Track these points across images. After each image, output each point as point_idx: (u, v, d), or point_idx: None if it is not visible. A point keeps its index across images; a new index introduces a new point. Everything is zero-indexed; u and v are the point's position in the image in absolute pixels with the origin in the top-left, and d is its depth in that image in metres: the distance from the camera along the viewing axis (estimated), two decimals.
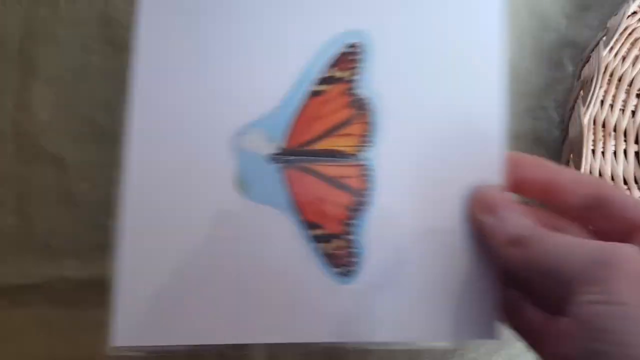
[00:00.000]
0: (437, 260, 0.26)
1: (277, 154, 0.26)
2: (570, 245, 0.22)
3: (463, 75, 0.27)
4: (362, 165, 0.27)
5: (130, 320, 0.24)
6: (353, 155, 0.27)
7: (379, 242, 0.26)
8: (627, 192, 0.34)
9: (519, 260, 0.24)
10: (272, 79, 0.26)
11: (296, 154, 0.26)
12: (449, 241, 0.26)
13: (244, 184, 0.26)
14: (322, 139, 0.27)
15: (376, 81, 0.27)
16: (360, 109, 0.27)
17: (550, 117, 0.39)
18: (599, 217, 0.25)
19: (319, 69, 0.27)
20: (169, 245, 0.25)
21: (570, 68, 0.39)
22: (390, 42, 0.27)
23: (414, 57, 0.27)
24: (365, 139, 0.27)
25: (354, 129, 0.27)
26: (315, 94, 0.27)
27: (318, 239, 0.26)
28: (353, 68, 0.27)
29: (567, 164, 0.37)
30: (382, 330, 0.26)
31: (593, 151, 0.37)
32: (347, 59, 0.27)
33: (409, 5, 0.27)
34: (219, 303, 0.25)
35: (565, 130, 0.38)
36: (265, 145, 0.26)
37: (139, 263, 0.25)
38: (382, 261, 0.26)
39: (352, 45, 0.27)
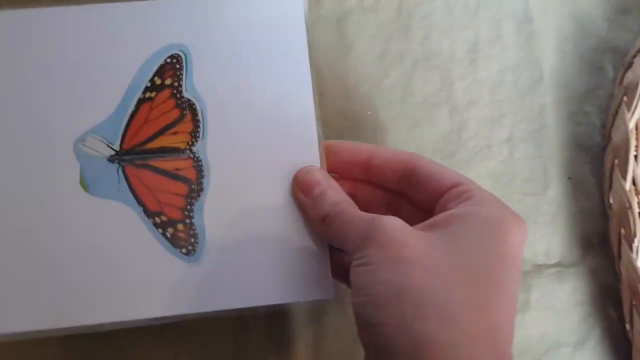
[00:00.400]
0: (271, 232, 0.29)
1: (115, 155, 0.30)
2: (351, 221, 0.26)
3: (274, 75, 0.31)
4: (192, 157, 0.30)
5: None
6: (184, 150, 0.30)
7: (217, 222, 0.29)
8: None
9: (326, 235, 0.28)
10: (105, 90, 0.30)
11: (132, 153, 0.30)
12: (280, 215, 0.29)
13: (87, 183, 0.29)
14: (155, 138, 0.30)
15: (197, 85, 0.31)
16: (186, 109, 0.31)
17: (592, 122, 0.37)
18: (412, 189, 0.29)
19: (146, 79, 0.31)
20: (31, 240, 0.28)
21: (611, 73, 0.38)
22: (208, 51, 0.31)
23: (229, 61, 0.31)
24: (193, 134, 0.30)
25: (182, 127, 0.30)
26: (144, 100, 0.30)
27: (161, 225, 0.29)
28: (175, 75, 0.31)
29: (610, 169, 0.34)
30: (231, 298, 0.29)
31: (635, 157, 0.35)
32: (169, 68, 0.31)
33: (221, 20, 0.31)
34: (72, 288, 0.28)
35: (606, 136, 0.36)
36: (104, 148, 0.30)
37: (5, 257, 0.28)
38: (221, 238, 0.29)
39: (172, 56, 0.31)
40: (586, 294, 0.35)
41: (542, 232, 0.35)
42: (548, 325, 0.34)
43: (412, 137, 0.35)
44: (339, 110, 0.35)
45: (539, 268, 0.35)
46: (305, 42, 0.31)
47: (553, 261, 0.35)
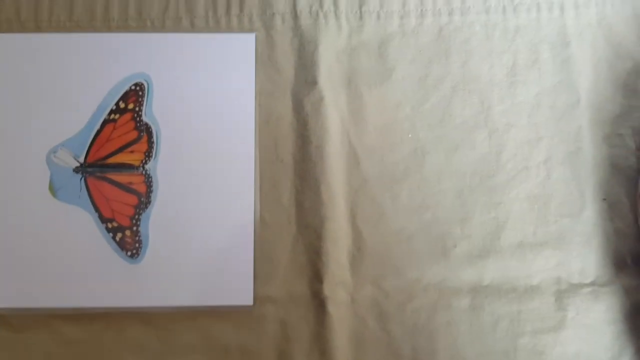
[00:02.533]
0: (204, 243, 0.35)
1: (80, 167, 0.35)
2: None
3: (222, 109, 0.36)
4: (144, 174, 0.36)
5: None
6: (138, 167, 0.36)
7: (160, 231, 0.35)
8: None
9: None
10: (76, 110, 0.35)
11: (94, 166, 0.36)
12: (213, 229, 0.35)
13: (55, 190, 0.35)
14: (114, 155, 0.36)
15: (155, 111, 0.36)
16: (143, 132, 0.36)
17: (626, 145, 0.38)
18: None
19: (111, 103, 0.36)
20: (3, 232, 0.34)
21: None
22: (168, 82, 0.36)
23: (185, 93, 0.36)
24: (147, 154, 0.36)
25: (139, 147, 0.36)
26: (109, 121, 0.36)
27: (112, 230, 0.35)
28: (137, 101, 0.36)
29: None
30: (164, 298, 0.34)
31: None
32: (133, 95, 0.36)
33: (181, 57, 0.36)
34: (34, 277, 0.34)
35: None
36: (71, 160, 0.35)
37: None
38: (162, 246, 0.35)
39: (136, 84, 0.36)
40: (620, 312, 0.36)
41: (578, 252, 0.36)
42: (583, 343, 0.35)
43: (451, 159, 0.36)
44: (379, 132, 0.36)
45: (575, 287, 0.36)
46: (253, 83, 0.36)
47: (588, 280, 0.36)
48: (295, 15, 0.37)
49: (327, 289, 0.35)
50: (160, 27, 0.37)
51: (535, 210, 0.36)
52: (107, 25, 0.37)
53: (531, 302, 0.35)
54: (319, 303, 0.35)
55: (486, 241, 0.36)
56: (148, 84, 0.36)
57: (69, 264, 0.34)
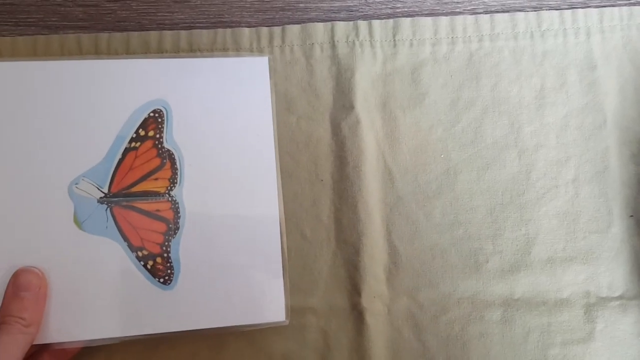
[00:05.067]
0: (234, 264, 0.35)
1: (105, 197, 0.35)
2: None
3: (242, 131, 0.36)
4: (171, 200, 0.36)
5: None
6: (163, 193, 0.36)
7: (190, 256, 0.35)
8: None
9: None
10: (96, 140, 0.35)
11: (119, 195, 0.35)
12: (242, 250, 0.35)
13: (80, 222, 0.35)
14: (139, 183, 0.36)
15: (176, 137, 0.36)
16: (165, 158, 0.36)
17: None
18: None
19: (131, 131, 0.36)
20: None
21: None
22: (186, 107, 0.36)
23: (204, 117, 0.36)
24: (171, 180, 0.36)
25: (163, 173, 0.36)
26: (130, 149, 0.36)
27: (143, 258, 0.35)
28: (157, 128, 0.36)
29: None
30: (198, 321, 0.35)
31: None
32: (152, 122, 0.36)
33: (198, 81, 0.36)
34: (67, 310, 0.34)
35: None
36: (95, 191, 0.35)
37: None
38: (193, 270, 0.35)
39: (155, 111, 0.36)
40: None
41: (606, 266, 0.38)
42: (611, 355, 0.37)
43: (483, 177, 0.38)
44: (413, 153, 0.39)
45: (603, 300, 0.37)
46: (270, 104, 0.37)
47: (616, 294, 0.38)
48: (333, 45, 0.40)
49: (365, 301, 0.37)
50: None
51: (565, 227, 0.38)
52: (161, 57, 0.40)
53: (561, 315, 0.37)
54: (357, 314, 0.37)
55: (517, 256, 0.38)
56: (167, 110, 0.36)
57: (102, 295, 0.34)
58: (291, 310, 0.37)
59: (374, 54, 0.40)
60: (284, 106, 0.39)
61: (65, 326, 0.34)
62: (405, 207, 0.38)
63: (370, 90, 0.39)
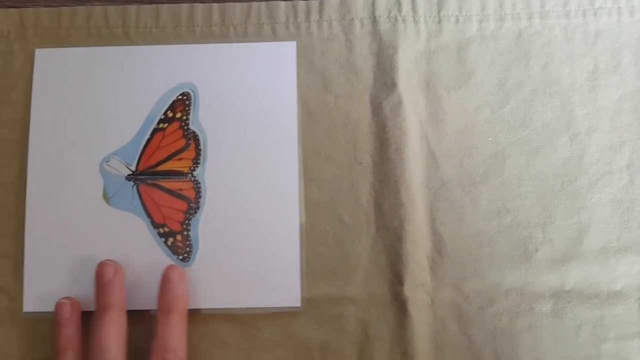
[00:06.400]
0: (252, 246, 0.36)
1: (132, 175, 0.37)
2: None
3: (266, 115, 0.37)
4: (193, 180, 0.37)
5: (38, 290, 0.35)
6: (186, 173, 0.37)
7: (209, 235, 0.36)
8: None
9: None
10: (126, 120, 0.37)
11: (145, 174, 0.37)
12: (261, 232, 0.36)
13: (108, 197, 0.36)
14: (164, 162, 0.37)
15: (202, 119, 0.37)
16: (190, 139, 0.37)
17: None
18: None
19: (160, 112, 0.37)
20: (63, 237, 0.36)
21: None
22: (212, 90, 0.37)
23: (230, 101, 0.37)
24: (195, 161, 0.37)
25: (187, 154, 0.37)
26: (158, 130, 0.37)
27: (164, 235, 0.36)
28: (184, 110, 0.37)
29: None
30: (213, 300, 0.35)
31: None
32: (180, 104, 0.37)
33: (225, 65, 0.37)
34: (88, 281, 0.35)
35: None
36: (124, 168, 0.37)
37: (42, 251, 0.36)
38: (211, 249, 0.36)
39: (183, 94, 0.37)
40: None
41: None
42: None
43: (532, 162, 0.36)
44: (458, 135, 0.37)
45: None
46: (295, 89, 0.37)
47: None
48: (374, 20, 0.38)
49: (408, 290, 0.35)
50: (243, 34, 0.38)
51: (619, 215, 0.36)
52: (192, 30, 0.38)
53: (614, 308, 0.35)
54: (399, 304, 0.35)
55: (568, 246, 0.36)
56: (194, 93, 0.37)
57: (125, 268, 0.35)
58: (328, 299, 0.35)
59: (418, 30, 0.38)
60: (321, 85, 0.37)
61: (87, 296, 0.35)
62: (450, 192, 0.36)
63: (413, 68, 0.37)
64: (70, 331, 0.33)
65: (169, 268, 0.35)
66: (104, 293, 0.34)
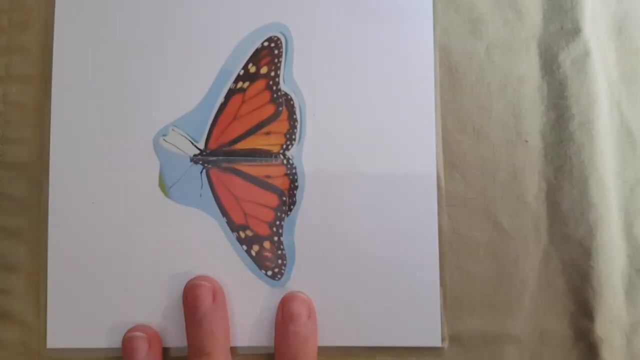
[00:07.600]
0: (372, 263, 0.26)
1: (199, 155, 0.26)
2: None
3: (389, 70, 0.26)
4: (286, 164, 0.26)
5: (62, 323, 0.25)
6: (277, 154, 0.26)
7: (310, 243, 0.26)
8: None
9: None
10: (191, 77, 0.26)
11: (218, 154, 0.26)
12: (386, 245, 0.26)
13: (167, 187, 0.26)
14: (245, 138, 0.27)
15: (297, 76, 0.27)
16: (282, 105, 0.27)
17: None
18: None
19: (239, 65, 0.26)
20: (102, 246, 0.26)
21: None
22: (313, 35, 0.27)
23: (338, 49, 0.26)
24: (288, 136, 0.26)
25: (277, 126, 0.26)
26: (235, 91, 0.27)
27: (245, 241, 0.26)
28: (272, 63, 0.27)
29: None
30: (321, 335, 0.25)
31: None
32: (266, 54, 0.27)
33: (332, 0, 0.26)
34: (144, 306, 0.25)
35: None
36: (188, 145, 0.26)
37: (68, 269, 0.25)
38: (313, 263, 0.26)
39: (270, 40, 0.27)
40: None
41: None
42: None
43: None
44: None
45: None
46: (431, 35, 0.26)
47: None
48: None
49: (600, 328, 0.24)
50: None
51: None
52: None
53: None
54: (586, 347, 0.25)
55: None
56: (286, 39, 0.27)
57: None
58: (481, 337, 0.25)
59: None
60: (467, 27, 0.26)
61: (136, 315, 0.26)
62: None
63: (600, 7, 0.26)
64: None
65: (291, 299, 0.25)
66: (202, 330, 0.24)
